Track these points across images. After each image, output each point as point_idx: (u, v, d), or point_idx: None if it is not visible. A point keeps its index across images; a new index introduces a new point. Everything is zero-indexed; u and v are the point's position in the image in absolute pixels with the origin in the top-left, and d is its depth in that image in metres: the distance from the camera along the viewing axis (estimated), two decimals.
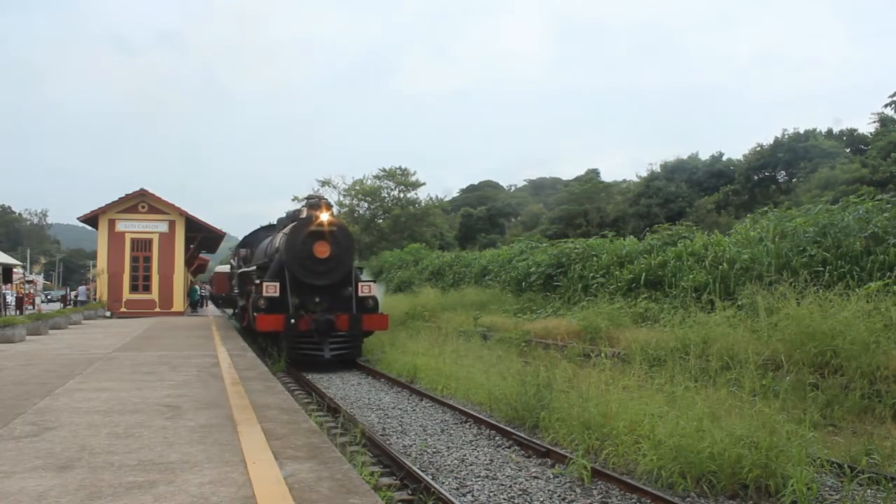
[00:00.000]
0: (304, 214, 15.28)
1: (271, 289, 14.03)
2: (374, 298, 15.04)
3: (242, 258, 21.14)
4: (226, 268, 46.36)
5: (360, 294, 14.66)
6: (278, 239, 15.64)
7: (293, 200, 42.59)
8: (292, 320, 13.50)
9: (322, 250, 14.27)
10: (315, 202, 15.24)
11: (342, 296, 14.65)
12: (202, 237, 30.92)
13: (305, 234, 14.29)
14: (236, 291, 21.91)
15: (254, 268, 16.75)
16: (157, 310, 27.17)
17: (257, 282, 14.81)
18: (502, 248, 30.65)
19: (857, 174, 34.65)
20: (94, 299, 28.14)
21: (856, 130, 46.35)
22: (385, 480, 5.92)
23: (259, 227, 21.83)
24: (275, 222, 20.94)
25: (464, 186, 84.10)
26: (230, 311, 35.00)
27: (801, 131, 44.63)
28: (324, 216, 14.32)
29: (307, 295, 14.30)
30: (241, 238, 24.06)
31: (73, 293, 36.28)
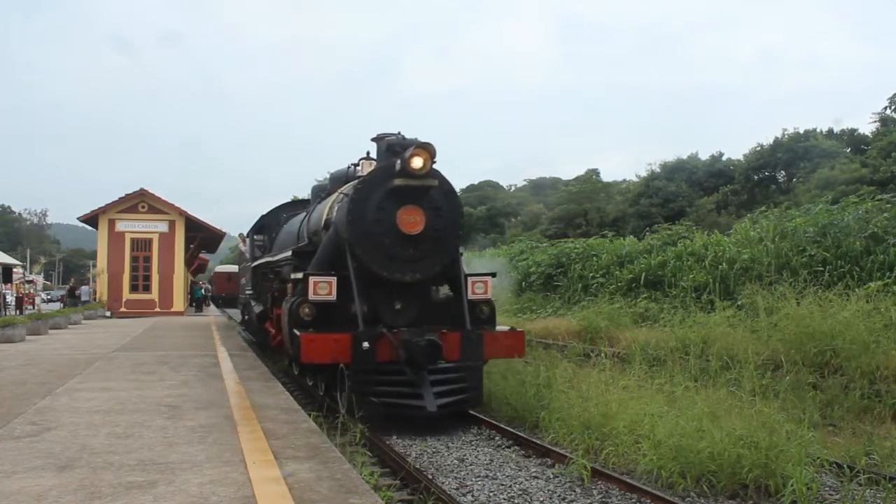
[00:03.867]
0: (363, 171, 9.54)
1: (324, 287, 8.32)
2: (490, 304, 9.18)
3: (258, 246, 15.56)
4: (226, 268, 46.44)
5: (471, 296, 8.84)
6: (327, 207, 9.70)
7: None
8: (365, 343, 7.76)
9: (412, 221, 8.34)
10: (398, 141, 8.78)
11: (435, 299, 9.33)
12: (202, 237, 30.96)
13: (383, 195, 8.33)
14: (248, 292, 15.71)
15: (287, 254, 10.49)
16: (157, 310, 27.18)
17: (297, 276, 9.06)
18: (502, 248, 30.70)
19: (857, 174, 34.67)
20: (93, 299, 28.14)
21: (856, 130, 46.40)
22: (385, 480, 5.93)
23: (279, 205, 15.53)
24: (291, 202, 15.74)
25: (464, 186, 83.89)
26: (231, 310, 35.06)
27: (801, 131, 44.74)
28: (416, 161, 8.05)
29: (383, 298, 8.64)
30: (241, 235, 19.80)
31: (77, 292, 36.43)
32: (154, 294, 27.63)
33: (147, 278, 27.60)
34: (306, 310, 8.41)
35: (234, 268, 38.06)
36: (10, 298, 31.39)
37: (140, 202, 27.64)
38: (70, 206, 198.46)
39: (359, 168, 9.90)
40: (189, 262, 32.35)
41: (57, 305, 33.01)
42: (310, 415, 6.33)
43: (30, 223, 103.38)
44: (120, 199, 27.35)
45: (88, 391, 7.27)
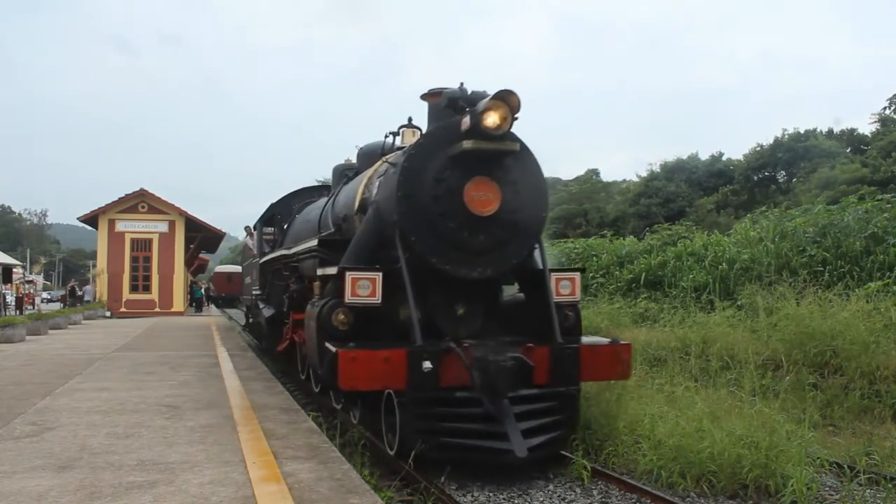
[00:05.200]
0: (404, 141, 7.78)
1: (365, 287, 6.25)
2: (576, 309, 7.19)
3: (267, 241, 13.17)
4: (226, 267, 46.38)
5: (556, 298, 6.71)
6: (362, 185, 7.64)
7: None
8: (427, 363, 5.73)
9: (485, 198, 6.24)
10: (462, 94, 6.53)
11: (503, 303, 7.28)
12: (202, 237, 30.99)
13: (445, 163, 6.30)
14: (255, 292, 13.34)
15: (311, 243, 8.22)
16: (157, 310, 27.20)
17: (327, 272, 7.03)
18: None
19: (857, 174, 34.65)
20: (94, 299, 28.14)
21: (856, 130, 46.34)
22: (385, 480, 5.92)
23: (292, 191, 13.04)
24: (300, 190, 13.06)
25: None
26: (231, 310, 35.03)
27: (801, 131, 44.66)
28: (491, 117, 5.95)
29: (440, 300, 6.64)
30: (242, 232, 17.11)
31: (80, 292, 36.53)
32: (154, 294, 27.66)
33: (147, 278, 27.64)
34: (341, 317, 6.40)
35: (234, 268, 38.03)
36: (10, 298, 31.39)
37: (140, 202, 27.67)
38: (70, 206, 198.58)
39: (398, 139, 7.99)
40: (189, 262, 32.37)
41: (57, 305, 33.00)
42: (310, 415, 6.33)
43: (30, 223, 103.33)
44: (120, 199, 27.38)
45: (88, 391, 7.27)
